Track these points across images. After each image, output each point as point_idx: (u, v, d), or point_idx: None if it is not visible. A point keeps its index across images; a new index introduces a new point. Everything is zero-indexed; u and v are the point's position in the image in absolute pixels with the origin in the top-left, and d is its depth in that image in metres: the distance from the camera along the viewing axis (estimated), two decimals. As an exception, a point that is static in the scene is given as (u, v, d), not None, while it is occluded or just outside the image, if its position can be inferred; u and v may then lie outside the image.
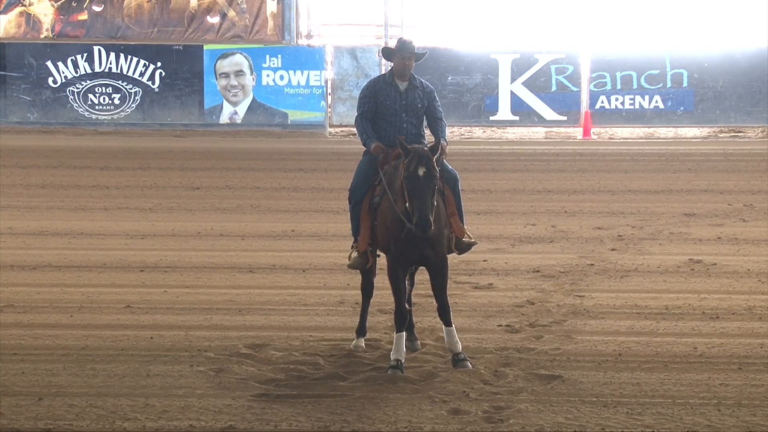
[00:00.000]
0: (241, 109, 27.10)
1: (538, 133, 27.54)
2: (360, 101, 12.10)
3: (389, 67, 12.31)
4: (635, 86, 26.92)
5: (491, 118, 26.43)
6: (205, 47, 27.29)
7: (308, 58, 27.27)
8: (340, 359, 11.98)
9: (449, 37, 27.43)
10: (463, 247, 11.95)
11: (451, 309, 11.59)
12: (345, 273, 15.57)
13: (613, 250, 16.72)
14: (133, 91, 27.16)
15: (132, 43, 27.53)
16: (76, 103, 27.20)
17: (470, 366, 11.33)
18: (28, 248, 16.97)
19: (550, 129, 27.41)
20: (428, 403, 10.85)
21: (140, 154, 24.46)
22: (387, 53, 12.28)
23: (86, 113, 27.18)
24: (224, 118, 27.15)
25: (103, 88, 27.19)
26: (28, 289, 14.86)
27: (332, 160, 24.02)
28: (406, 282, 11.86)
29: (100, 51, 27.23)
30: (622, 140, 26.55)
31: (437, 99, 12.30)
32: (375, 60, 27.15)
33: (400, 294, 11.46)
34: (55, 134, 26.76)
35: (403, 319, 11.42)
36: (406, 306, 11.63)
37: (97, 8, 27.93)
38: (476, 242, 12.21)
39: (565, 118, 27.03)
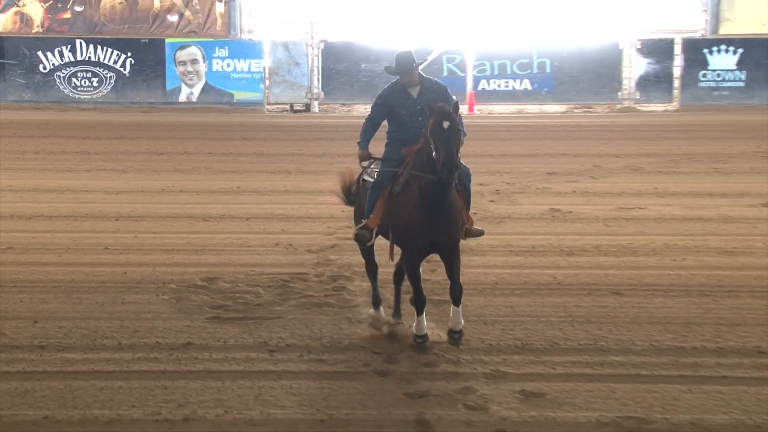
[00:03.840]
0: (196, 90, 26.93)
1: (432, 109, 27.63)
2: (372, 107, 10.46)
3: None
4: (509, 72, 27.02)
5: (395, 97, 26.42)
6: (167, 40, 27.05)
7: (250, 50, 27.10)
8: (276, 289, 11.99)
9: (362, 33, 27.37)
10: (471, 234, 10.46)
11: (462, 291, 10.08)
12: (280, 220, 15.58)
13: (491, 201, 16.82)
14: (108, 75, 26.90)
15: (107, 37, 27.24)
16: (62, 85, 26.90)
17: (461, 344, 10.07)
18: (24, 202, 16.81)
19: (442, 106, 27.48)
20: (346, 323, 10.90)
21: (115, 126, 24.25)
22: (390, 72, 10.46)
23: (70, 93, 26.90)
24: (182, 98, 26.95)
25: (84, 73, 26.91)
26: (25, 234, 14.74)
27: (269, 131, 23.94)
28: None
29: (81, 43, 26.93)
30: (498, 115, 26.68)
31: (449, 94, 10.39)
32: (303, 51, 27.05)
33: (418, 282, 10.01)
34: (45, 110, 26.46)
35: (422, 304, 10.02)
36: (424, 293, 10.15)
37: (78, 8, 27.61)
38: (483, 231, 10.58)
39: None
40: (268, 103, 27.09)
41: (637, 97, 26.87)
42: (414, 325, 10.10)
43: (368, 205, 10.37)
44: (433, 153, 9.47)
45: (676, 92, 26.76)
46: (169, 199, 17.08)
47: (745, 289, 12.06)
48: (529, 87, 27.09)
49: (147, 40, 27.18)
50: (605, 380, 9.41)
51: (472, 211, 10.56)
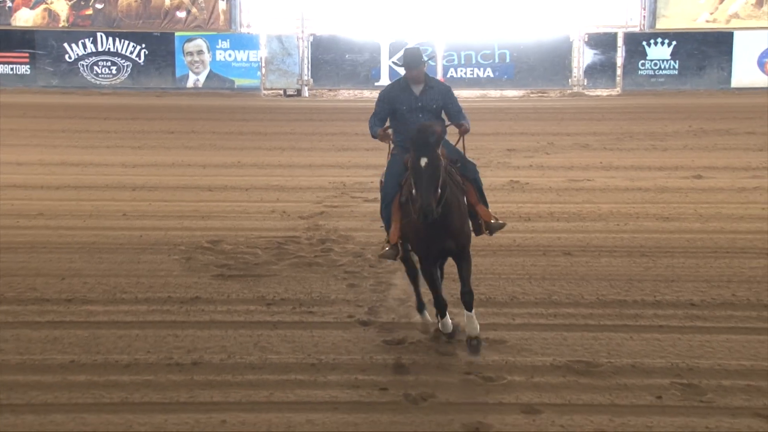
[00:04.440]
0: (202, 77, 26.74)
1: (407, 94, 27.50)
2: (375, 104, 9.15)
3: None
4: (474, 62, 26.92)
5: (376, 83, 26.29)
6: (176, 34, 26.84)
7: (248, 42, 26.93)
8: (272, 250, 11.99)
9: (346, 27, 27.21)
10: (494, 228, 9.18)
11: (473, 296, 8.90)
12: (276, 191, 15.52)
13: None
14: (125, 64, 26.70)
15: (124, 30, 27.02)
16: (86, 72, 26.69)
17: (479, 351, 8.85)
18: (53, 174, 16.71)
19: (416, 91, 27.36)
20: (333, 280, 10.90)
21: (131, 108, 24.09)
22: (397, 65, 9.42)
23: (93, 80, 26.69)
24: (190, 84, 26.77)
25: (105, 62, 26.71)
26: (53, 202, 14.68)
27: (266, 113, 23.83)
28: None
29: (101, 36, 26.71)
30: (465, 99, 26.32)
31: (453, 96, 9.26)
32: (295, 43, 26.87)
33: (435, 285, 8.84)
34: (70, 95, 26.23)
35: (441, 306, 8.94)
36: (443, 296, 8.96)
37: (99, 6, 27.37)
38: (505, 224, 9.39)
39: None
40: (265, 89, 26.93)
41: (585, 84, 26.81)
42: (440, 325, 9.13)
43: (385, 221, 9.15)
44: (413, 190, 8.31)
45: (618, 79, 26.71)
46: (178, 172, 17.01)
47: (679, 249, 12.12)
48: (492, 74, 27.01)
49: (159, 34, 26.98)
50: (558, 329, 9.45)
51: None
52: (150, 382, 8.30)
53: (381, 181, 9.39)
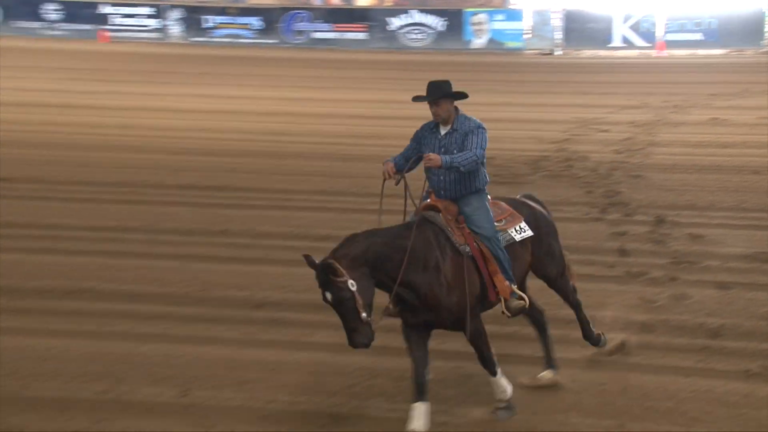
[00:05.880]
0: (483, 41, 26.51)
1: (634, 53, 25.89)
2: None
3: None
4: (688, 28, 25.21)
5: (608, 45, 25.21)
6: (464, 10, 26.77)
7: (515, 15, 26.44)
8: (530, 165, 11.98)
9: (589, 2, 26.08)
10: (512, 310, 5.38)
11: (493, 364, 5.32)
12: (533, 122, 15.21)
13: (672, 112, 15.92)
14: (430, 32, 26.88)
15: (430, 8, 27.20)
16: (403, 38, 27.12)
17: (503, 416, 5.38)
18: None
19: (641, 51, 25.79)
20: (574, 188, 10.68)
21: (433, 63, 24.14)
22: (418, 99, 5.70)
23: (408, 43, 27.03)
24: (475, 46, 26.65)
25: (416, 31, 26.98)
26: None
27: (529, 65, 23.38)
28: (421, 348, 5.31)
29: (415, 12, 27.03)
30: (678, 57, 24.86)
31: (478, 134, 5.71)
32: (549, 16, 26.09)
33: (411, 359, 5.23)
34: (392, 54, 26.42)
35: (415, 387, 5.21)
36: (424, 372, 5.20)
37: (413, -9, 27.87)
38: (525, 305, 5.42)
39: (650, 44, 25.44)
40: (528, 49, 26.38)
41: (776, 44, 24.58)
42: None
43: None
44: None
45: (804, 41, 24.29)
46: (469, 109, 16.97)
47: None
48: (701, 38, 25.21)
49: (454, 10, 27.00)
50: (747, 228, 9.00)
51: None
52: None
53: None
